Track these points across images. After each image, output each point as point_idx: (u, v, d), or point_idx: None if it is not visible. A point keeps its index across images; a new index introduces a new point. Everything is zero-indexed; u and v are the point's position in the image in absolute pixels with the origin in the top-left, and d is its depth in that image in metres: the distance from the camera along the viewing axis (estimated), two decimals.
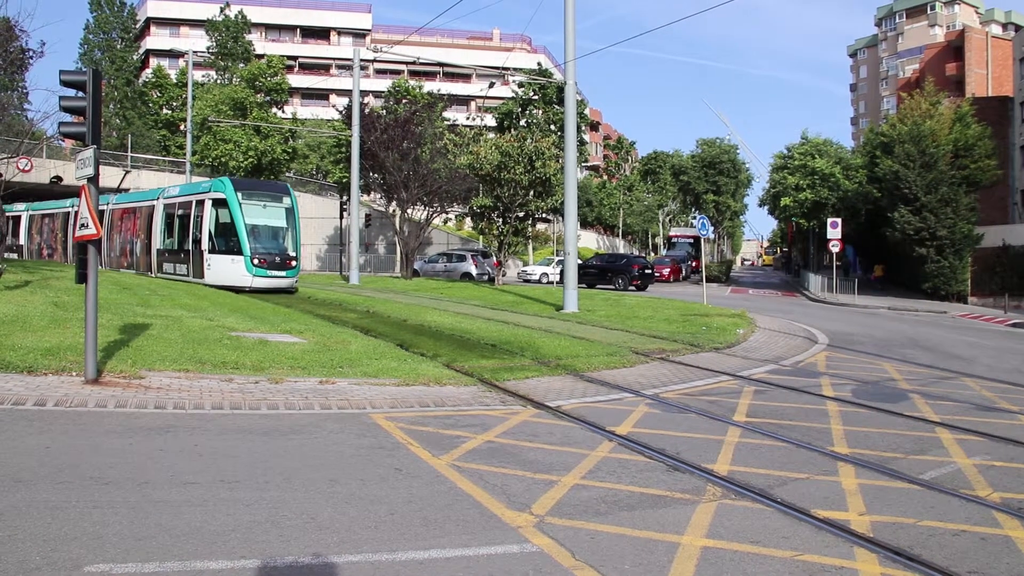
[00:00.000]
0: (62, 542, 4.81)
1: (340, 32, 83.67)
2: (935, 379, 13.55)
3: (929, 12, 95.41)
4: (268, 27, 79.58)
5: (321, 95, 75.90)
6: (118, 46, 61.87)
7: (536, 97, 53.91)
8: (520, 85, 53.39)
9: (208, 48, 56.99)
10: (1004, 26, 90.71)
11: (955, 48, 64.99)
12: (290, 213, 26.91)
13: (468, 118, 59.46)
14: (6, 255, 36.14)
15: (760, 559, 5.15)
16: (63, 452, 6.73)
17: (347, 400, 9.33)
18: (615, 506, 6.09)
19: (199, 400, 8.78)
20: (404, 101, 51.19)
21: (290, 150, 48.41)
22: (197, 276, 26.47)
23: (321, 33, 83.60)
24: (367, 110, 44.39)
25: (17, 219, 41.37)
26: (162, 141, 59.65)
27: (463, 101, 79.82)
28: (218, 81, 55.07)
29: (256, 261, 25.14)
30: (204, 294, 21.35)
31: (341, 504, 5.82)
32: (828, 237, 36.21)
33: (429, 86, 59.94)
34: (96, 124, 9.35)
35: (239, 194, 25.64)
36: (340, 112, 47.99)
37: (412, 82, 59.53)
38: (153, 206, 30.70)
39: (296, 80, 67.65)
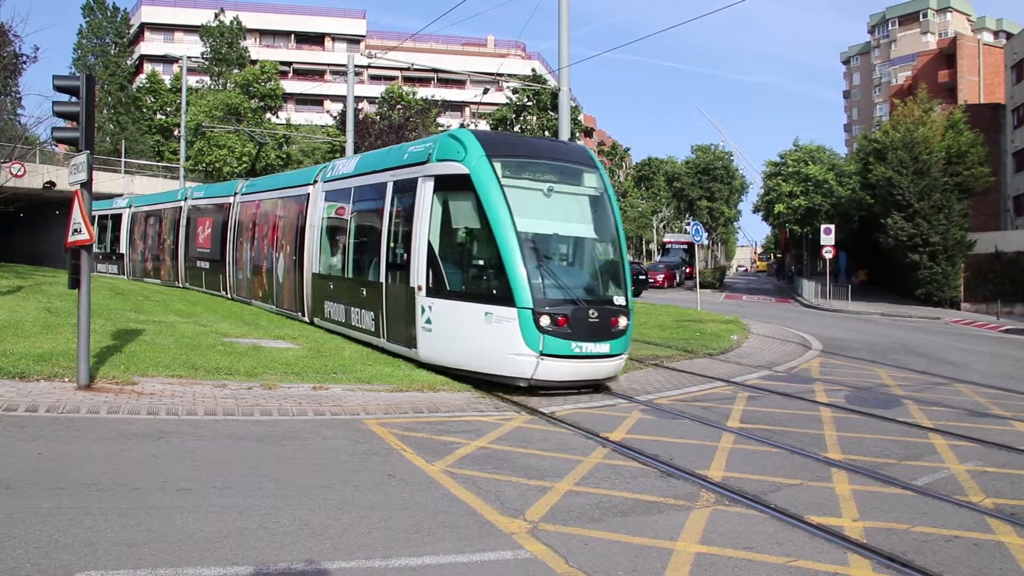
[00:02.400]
0: (53, 549, 4.78)
1: (334, 38, 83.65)
2: (928, 385, 13.58)
3: (921, 19, 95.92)
4: (263, 33, 79.54)
5: (315, 101, 75.87)
6: (112, 51, 61.69)
7: (530, 103, 53.97)
8: (514, 91, 53.50)
9: (202, 54, 56.88)
10: (996, 34, 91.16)
11: (947, 55, 65.26)
12: (601, 204, 12.19)
13: (462, 124, 59.50)
14: (104, 270, 32.81)
15: (754, 565, 5.15)
16: (55, 458, 6.69)
17: (341, 406, 9.30)
18: (609, 512, 6.09)
19: (192, 406, 8.75)
20: (398, 107, 51.12)
21: (284, 156, 48.36)
22: (388, 336, 12.92)
23: (315, 39, 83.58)
24: (361, 116, 44.37)
25: (117, 219, 32.82)
26: (156, 146, 59.46)
27: (457, 107, 79.85)
28: (212, 87, 55.00)
29: (548, 320, 10.62)
30: (197, 299, 21.27)
31: (334, 510, 5.80)
32: (822, 243, 36.26)
33: (423, 92, 59.94)
34: (89, 129, 9.33)
35: (497, 165, 11.22)
36: (334, 118, 47.99)
37: (406, 88, 59.48)
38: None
39: (290, 86, 67.61)
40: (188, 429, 7.91)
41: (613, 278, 11.72)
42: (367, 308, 13.69)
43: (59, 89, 9.47)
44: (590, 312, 10.80)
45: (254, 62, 56.07)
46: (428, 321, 11.56)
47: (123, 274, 31.29)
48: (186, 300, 20.66)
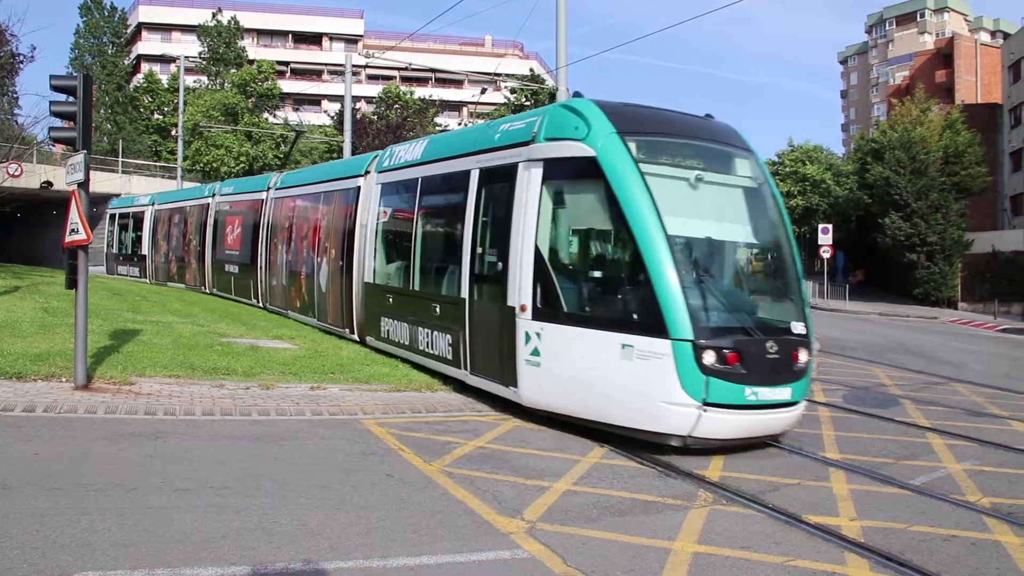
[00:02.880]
0: (50, 549, 4.77)
1: (332, 38, 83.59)
2: (926, 384, 13.60)
3: (919, 19, 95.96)
4: (260, 32, 79.47)
5: (313, 100, 75.84)
6: (109, 51, 61.66)
7: (528, 103, 53.98)
8: (512, 91, 53.49)
9: (200, 53, 56.90)
10: (993, 33, 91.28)
11: (945, 55, 65.36)
12: (762, 199, 9.45)
13: (460, 124, 59.47)
14: (125, 273, 31.30)
15: (751, 564, 5.15)
16: (52, 458, 6.68)
17: (338, 406, 9.30)
18: (606, 512, 6.09)
19: (189, 406, 8.74)
20: (396, 107, 51.18)
21: (282, 155, 48.34)
22: (472, 367, 10.25)
23: (313, 39, 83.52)
24: (359, 116, 44.37)
25: (139, 218, 30.49)
26: (153, 146, 59.45)
27: (455, 107, 79.79)
28: (210, 86, 54.98)
29: (715, 356, 7.74)
30: (194, 299, 21.25)
31: (332, 510, 5.80)
32: (819, 243, 36.27)
33: (421, 92, 59.95)
34: (86, 129, 9.31)
35: (632, 145, 8.55)
36: (332, 118, 48.01)
37: (404, 88, 59.56)
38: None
39: (288, 85, 67.55)
40: (186, 429, 7.90)
41: (788, 297, 8.92)
42: (442, 330, 10.74)
43: (56, 89, 9.45)
44: (767, 345, 7.95)
45: (251, 62, 56.08)
46: (535, 353, 8.77)
47: (145, 277, 29.15)
48: (184, 300, 20.62)
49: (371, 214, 13.47)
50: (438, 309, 10.96)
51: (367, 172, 14.14)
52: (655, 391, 7.73)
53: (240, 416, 8.56)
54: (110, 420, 8.04)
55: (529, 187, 9.10)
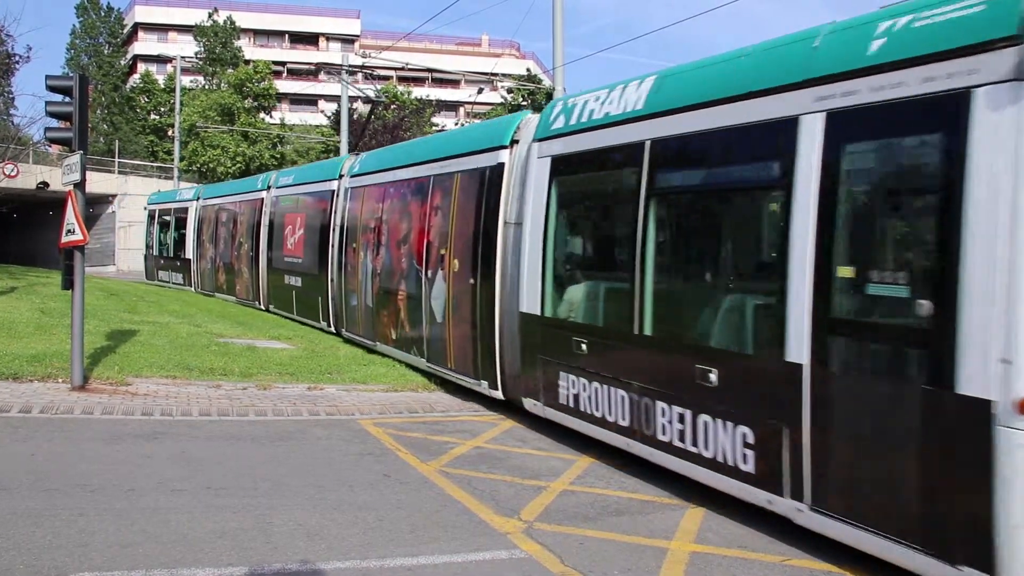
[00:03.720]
0: (47, 550, 4.77)
1: (329, 38, 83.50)
2: None
3: None
4: (257, 33, 79.35)
5: (310, 100, 75.81)
6: (105, 51, 61.56)
7: (525, 103, 54.01)
8: (509, 91, 53.51)
9: (196, 53, 56.84)
10: None
11: None
12: None
13: (457, 123, 59.48)
14: (167, 279, 27.72)
15: (749, 564, 5.16)
16: (48, 459, 6.67)
17: (335, 406, 9.30)
18: (604, 511, 6.10)
19: (186, 407, 8.73)
20: (393, 107, 51.17)
21: (279, 155, 48.34)
22: (816, 500, 5.19)
23: (310, 39, 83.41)
24: (355, 116, 44.35)
25: (181, 215, 26.10)
26: (150, 147, 59.37)
27: (452, 107, 79.74)
28: (206, 87, 54.93)
29: None
30: (191, 300, 21.22)
31: (329, 510, 5.80)
32: None
33: (418, 92, 59.90)
34: (83, 129, 9.30)
35: None
36: (328, 118, 47.93)
37: (401, 88, 59.55)
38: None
39: (284, 85, 67.49)
40: (182, 430, 7.90)
41: None
42: (732, 418, 5.94)
43: (52, 89, 9.44)
44: None
45: (248, 62, 56.03)
46: None
47: (189, 285, 25.27)
48: (180, 300, 20.59)
49: (532, 206, 8.58)
50: (716, 376, 6.04)
51: (513, 142, 9.45)
52: None
53: (237, 416, 8.56)
54: (107, 421, 8.04)
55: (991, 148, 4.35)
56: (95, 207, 46.76)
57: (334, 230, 14.84)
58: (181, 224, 25.91)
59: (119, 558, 4.72)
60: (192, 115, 45.22)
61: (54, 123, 9.92)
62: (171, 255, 27.26)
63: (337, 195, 15.03)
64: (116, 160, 50.19)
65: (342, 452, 7.47)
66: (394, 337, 12.21)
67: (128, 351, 11.43)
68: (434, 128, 48.40)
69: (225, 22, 57.25)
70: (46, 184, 38.03)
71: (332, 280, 14.93)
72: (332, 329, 15.10)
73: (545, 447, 8.05)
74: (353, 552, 5.04)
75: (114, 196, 47.68)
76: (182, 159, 45.65)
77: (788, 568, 5.11)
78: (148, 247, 30.18)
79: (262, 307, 19.32)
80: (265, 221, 19.08)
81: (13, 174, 34.64)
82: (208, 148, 44.92)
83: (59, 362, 9.95)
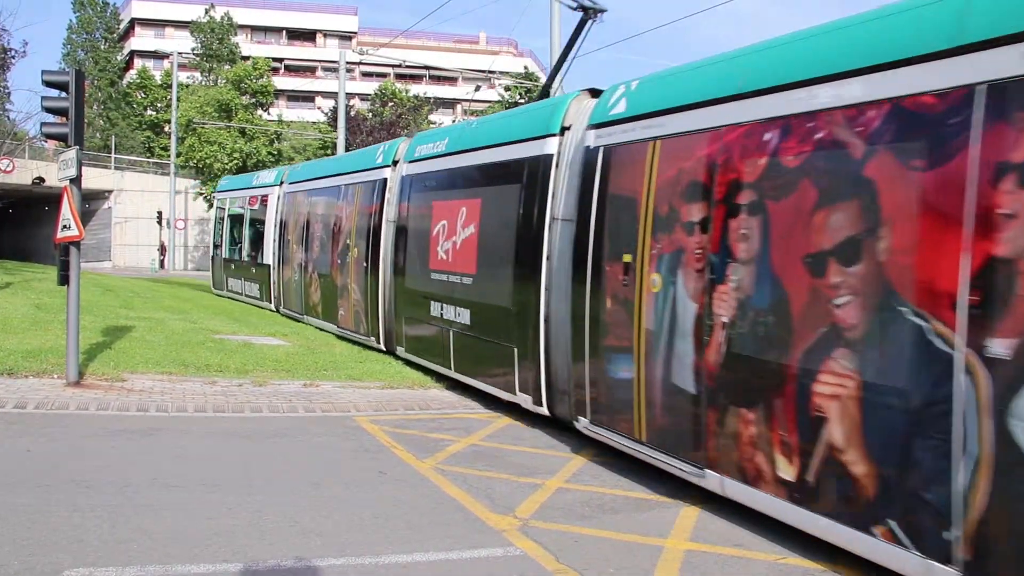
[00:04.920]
0: (41, 546, 4.76)
1: (326, 34, 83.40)
2: None
3: None
4: (254, 29, 79.17)
5: (307, 97, 75.71)
6: (102, 47, 61.49)
7: (523, 101, 54.04)
8: (507, 88, 53.51)
9: (193, 49, 56.73)
10: None
11: None
12: None
13: (454, 121, 59.47)
14: (239, 290, 20.95)
15: (744, 562, 5.17)
16: (43, 455, 6.66)
17: (331, 403, 9.29)
18: (599, 509, 6.10)
19: (182, 403, 8.72)
20: (390, 104, 51.09)
21: (276, 152, 48.27)
22: None
23: (307, 35, 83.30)
24: (353, 112, 44.33)
25: (259, 206, 19.56)
26: (146, 142, 59.29)
27: (449, 104, 79.73)
28: (203, 83, 54.84)
29: None
30: (188, 296, 21.17)
31: (324, 507, 5.80)
32: None
33: (415, 89, 59.85)
34: (79, 125, 9.28)
35: None
36: (326, 114, 47.87)
37: (398, 85, 59.46)
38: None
39: (282, 82, 67.37)
40: (178, 426, 7.89)
41: None
42: None
43: (48, 84, 9.41)
44: None
45: (245, 58, 55.92)
46: None
47: (268, 301, 18.58)
48: (177, 297, 20.54)
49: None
50: None
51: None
52: None
53: (232, 413, 8.55)
54: (102, 417, 8.03)
55: None
56: (91, 203, 46.74)
57: (551, 228, 8.35)
58: (258, 218, 19.63)
59: (114, 554, 4.72)
60: (189, 111, 45.14)
61: (50, 118, 9.87)
62: (245, 258, 20.75)
63: (547, 166, 8.48)
64: (112, 156, 50.12)
65: (338, 449, 7.47)
66: (708, 448, 6.22)
67: (124, 347, 11.41)
68: (431, 125, 48.35)
69: (222, 18, 57.12)
70: (42, 179, 37.95)
71: (558, 321, 8.09)
72: (545, 409, 8.51)
73: (541, 445, 8.05)
74: (348, 549, 5.04)
75: (110, 192, 47.68)
76: (178, 155, 45.56)
77: (783, 567, 5.12)
78: (216, 246, 23.93)
79: (379, 346, 12.64)
80: (390, 214, 12.42)
81: (9, 169, 34.59)
82: (205, 144, 44.83)
83: (54, 358, 9.94)
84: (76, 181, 9.29)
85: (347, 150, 37.06)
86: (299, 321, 16.38)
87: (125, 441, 7.24)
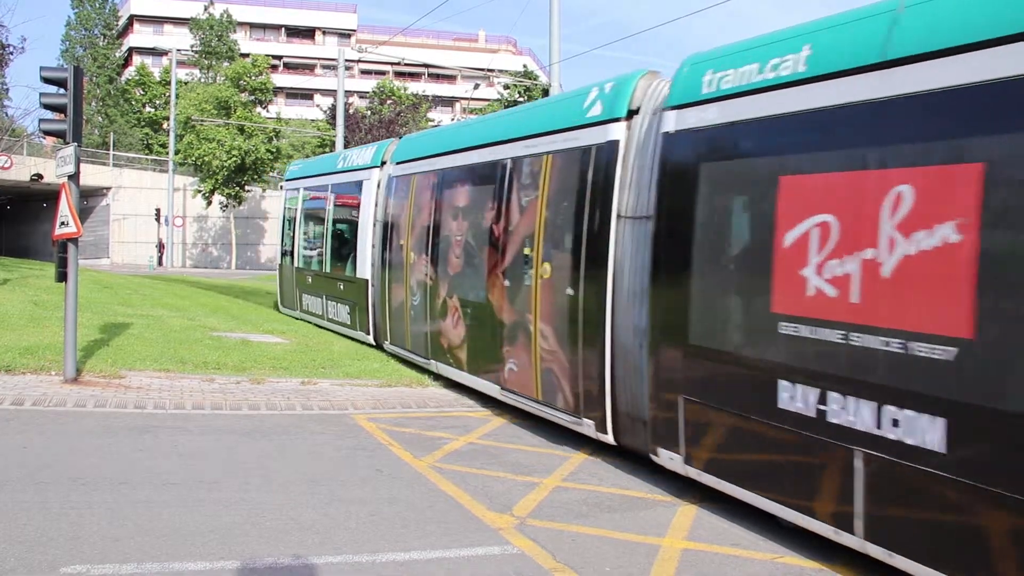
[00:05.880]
0: (38, 543, 4.76)
1: (325, 32, 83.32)
2: None
3: None
4: (253, 26, 79.10)
5: (306, 95, 75.64)
6: (100, 43, 61.44)
7: (522, 99, 54.02)
8: (505, 87, 53.50)
9: (192, 46, 56.66)
10: None
11: None
12: None
13: (453, 119, 59.52)
14: (319, 312, 15.13)
15: (740, 561, 5.17)
16: (41, 452, 6.65)
17: (329, 401, 9.29)
18: (596, 508, 6.11)
19: (180, 400, 8.72)
20: (389, 102, 51.11)
21: (274, 150, 48.22)
22: None
23: (306, 33, 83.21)
24: (352, 110, 44.31)
25: (347, 197, 14.26)
26: (144, 139, 59.22)
27: (448, 102, 79.73)
28: (202, 80, 54.77)
29: None
30: (186, 294, 21.17)
31: (322, 505, 5.80)
32: None
33: (414, 87, 59.93)
34: (77, 121, 9.27)
35: None
36: (325, 112, 47.88)
37: (397, 83, 59.45)
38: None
39: (281, 79, 67.43)
40: (175, 423, 7.89)
41: None
42: None
43: (47, 81, 9.40)
44: None
45: (244, 55, 55.86)
46: None
47: (366, 332, 13.20)
48: (175, 294, 20.54)
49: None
50: None
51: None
52: None
53: (230, 410, 8.54)
54: (99, 414, 8.02)
55: None
56: (89, 200, 46.72)
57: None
58: (348, 213, 14.30)
59: (111, 551, 4.72)
60: (188, 108, 45.09)
61: (48, 115, 9.85)
62: (327, 270, 15.15)
63: None
64: (111, 153, 50.08)
65: (335, 447, 7.47)
66: None
67: (121, 344, 11.40)
68: (430, 123, 48.35)
69: (221, 15, 57.06)
70: (40, 176, 37.91)
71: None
72: None
73: (538, 444, 8.05)
74: (345, 547, 5.04)
75: (108, 189, 47.65)
76: (177, 152, 45.52)
77: (779, 566, 5.13)
78: (284, 253, 17.76)
79: (608, 436, 7.30)
80: (638, 203, 7.14)
81: (7, 166, 34.56)
82: (203, 141, 44.78)
83: (52, 355, 9.93)
84: (74, 178, 9.29)
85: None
86: (424, 370, 11.03)
87: (122, 438, 7.23)
